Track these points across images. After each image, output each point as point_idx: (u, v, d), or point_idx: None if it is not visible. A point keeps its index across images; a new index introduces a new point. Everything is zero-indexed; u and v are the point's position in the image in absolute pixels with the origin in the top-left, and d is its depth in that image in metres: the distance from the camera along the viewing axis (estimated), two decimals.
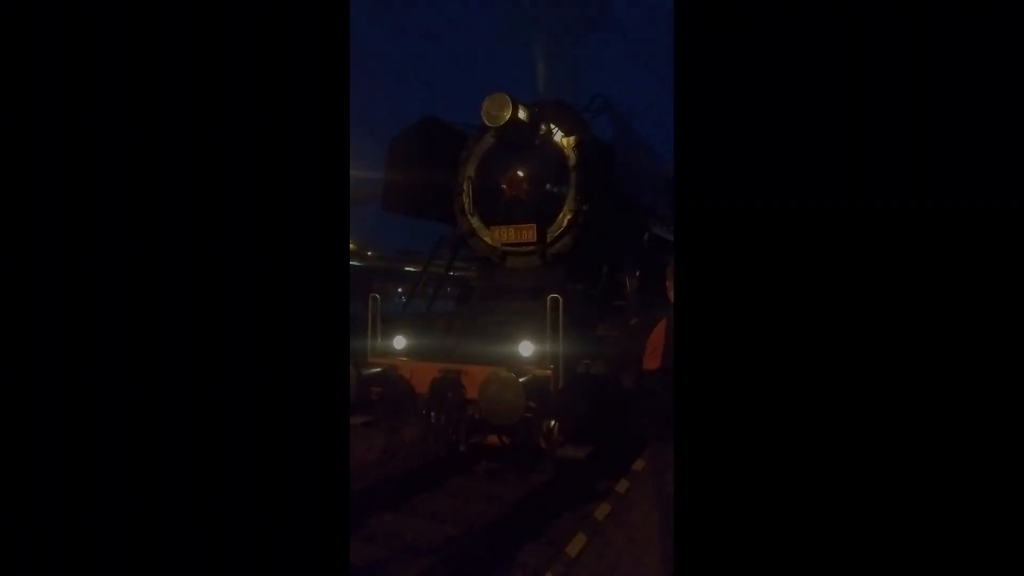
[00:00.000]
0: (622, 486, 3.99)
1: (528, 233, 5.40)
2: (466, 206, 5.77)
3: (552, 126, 5.51)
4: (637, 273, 5.27)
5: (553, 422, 4.13)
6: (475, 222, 5.73)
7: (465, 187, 5.76)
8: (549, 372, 4.07)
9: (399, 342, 4.91)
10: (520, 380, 3.79)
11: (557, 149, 5.45)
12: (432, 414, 4.29)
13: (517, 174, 5.50)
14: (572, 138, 5.38)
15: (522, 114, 5.23)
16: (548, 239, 5.40)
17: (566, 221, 5.33)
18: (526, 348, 4.29)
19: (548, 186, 5.45)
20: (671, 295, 2.68)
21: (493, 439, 4.49)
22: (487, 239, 5.65)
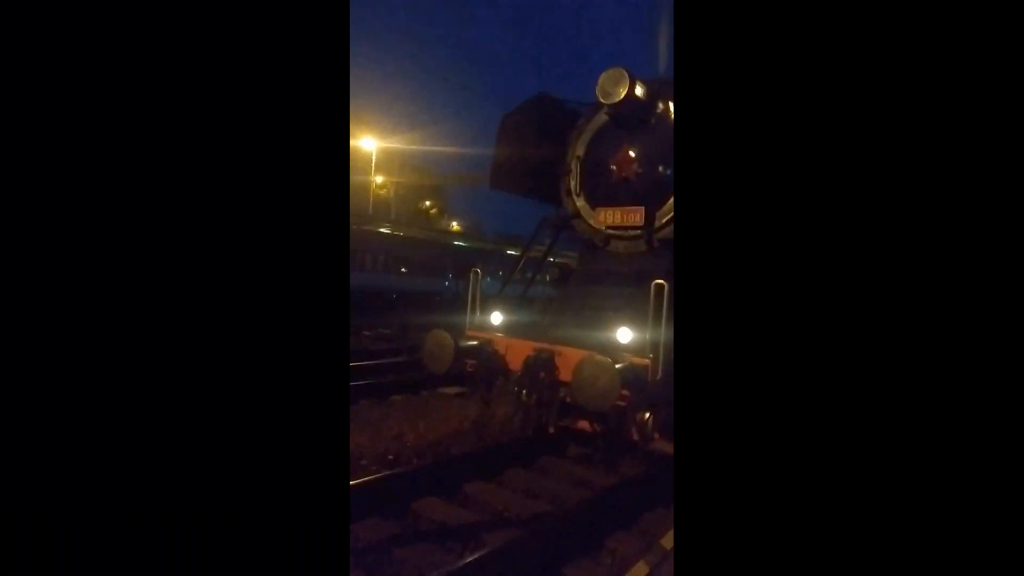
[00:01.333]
0: None
1: (635, 216, 5.16)
2: (572, 186, 5.63)
3: (671, 104, 5.20)
4: None
5: (648, 414, 3.94)
6: (580, 203, 5.58)
7: (573, 166, 5.62)
8: (648, 361, 3.88)
9: (496, 317, 4.92)
10: (616, 366, 3.63)
11: (673, 128, 5.14)
12: (524, 392, 4.25)
13: (628, 154, 5.27)
14: None
15: (639, 91, 4.99)
16: (656, 224, 5.13)
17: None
18: (624, 335, 4.12)
19: (661, 168, 5.18)
20: None
21: (584, 424, 4.38)
22: (591, 221, 5.48)
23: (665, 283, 3.90)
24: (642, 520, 3.95)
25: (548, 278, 5.87)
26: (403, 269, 18.58)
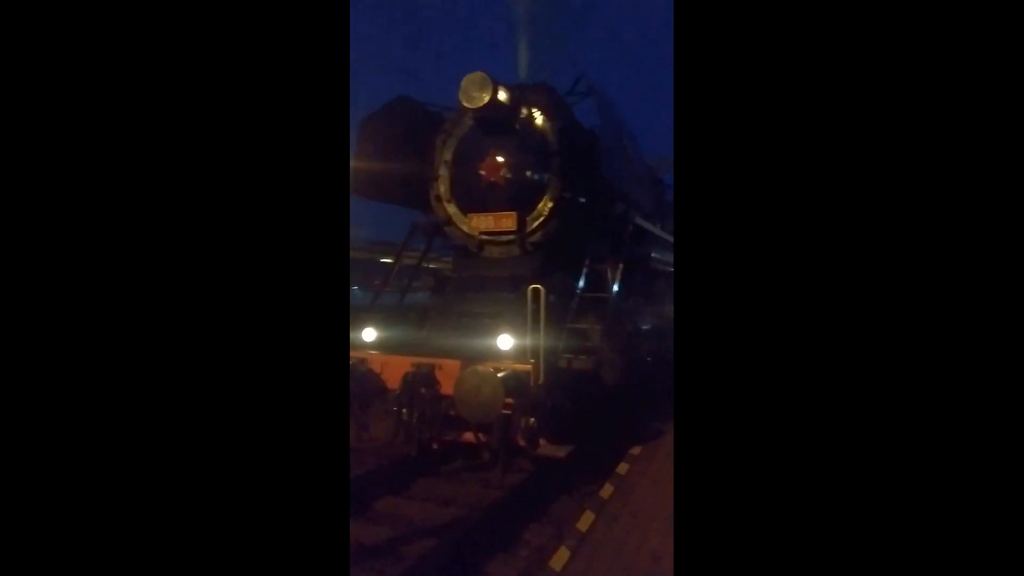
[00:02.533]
0: (606, 490, 3.80)
1: (508, 221, 5.16)
2: (442, 192, 5.50)
3: (533, 110, 5.27)
4: (620, 265, 5.08)
5: (532, 419, 3.92)
6: (452, 209, 5.47)
7: (442, 172, 5.50)
8: (529, 367, 3.85)
9: (368, 334, 4.64)
10: (499, 375, 3.56)
11: (539, 133, 5.22)
12: (404, 410, 4.04)
13: (496, 159, 5.25)
14: (553, 122, 5.14)
15: (502, 95, 4.98)
16: (528, 228, 5.17)
17: (547, 209, 5.11)
18: (505, 341, 4.07)
19: (529, 172, 5.22)
20: None
21: (469, 436, 4.27)
22: (464, 227, 5.39)
23: (541, 288, 3.91)
24: (551, 511, 3.95)
25: (424, 286, 5.67)
26: None
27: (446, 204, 5.49)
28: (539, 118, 5.23)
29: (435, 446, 4.11)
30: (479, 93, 4.86)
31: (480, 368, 3.63)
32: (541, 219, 5.14)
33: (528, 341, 3.90)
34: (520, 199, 5.19)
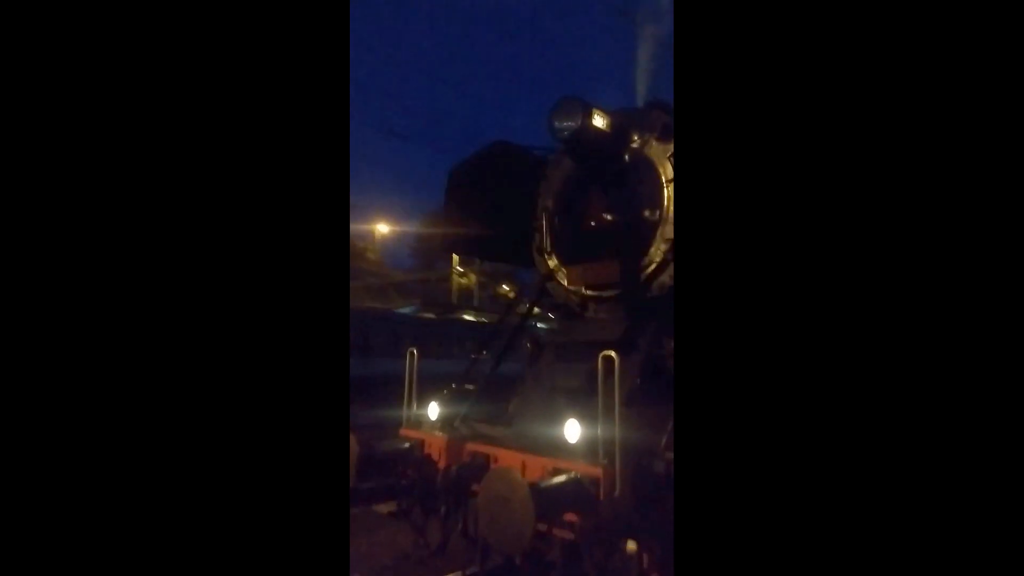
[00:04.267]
0: None
1: (609, 272, 4.13)
2: (543, 243, 4.70)
3: (648, 135, 4.27)
4: None
5: (634, 544, 2.74)
6: (552, 263, 4.62)
7: (542, 221, 4.72)
8: (599, 471, 2.72)
9: (433, 410, 3.91)
10: (529, 485, 2.49)
11: (649, 163, 4.18)
12: (451, 512, 3.17)
13: (599, 199, 4.32)
14: (667, 145, 4.07)
15: (599, 121, 4.10)
16: (641, 279, 4.07)
17: (660, 254, 3.97)
18: (573, 430, 2.99)
19: (646, 212, 4.16)
20: None
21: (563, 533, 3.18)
22: (566, 283, 4.48)
23: (614, 355, 2.81)
24: None
25: (525, 353, 4.83)
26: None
27: (547, 257, 4.67)
28: (653, 145, 4.20)
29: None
30: (565, 121, 4.06)
31: (507, 471, 2.62)
32: (652, 267, 4.00)
33: (600, 432, 2.78)
34: (629, 245, 4.14)
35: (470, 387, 4.48)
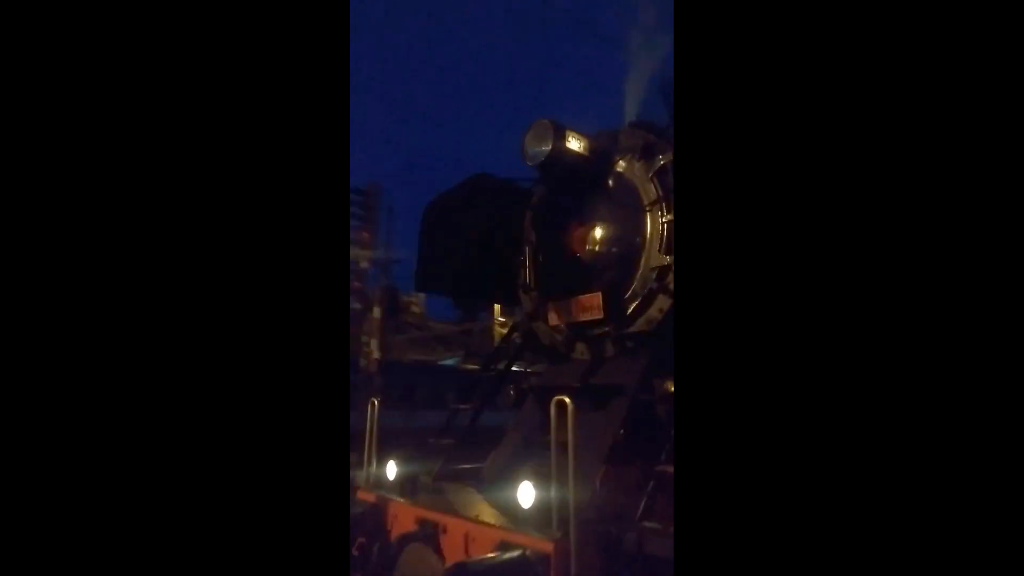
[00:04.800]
0: None
1: (591, 305, 3.69)
2: (528, 279, 4.31)
3: (631, 157, 3.90)
4: None
5: None
6: (534, 298, 4.21)
7: (528, 255, 4.34)
8: (550, 546, 2.22)
9: (391, 470, 3.46)
10: (456, 566, 2.01)
11: (630, 185, 3.79)
12: None
13: (579, 228, 3.93)
14: (647, 163, 3.68)
15: (575, 144, 3.77)
16: (626, 312, 3.61)
17: (644, 286, 3.52)
18: (526, 493, 2.50)
19: (629, 241, 3.75)
20: None
21: None
22: (549, 320, 4.05)
23: (568, 402, 2.34)
24: None
25: (506, 402, 4.37)
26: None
27: (531, 294, 4.27)
28: (635, 166, 3.82)
29: None
30: (538, 146, 3.73)
31: (421, 550, 2.14)
32: (637, 301, 3.54)
33: (552, 495, 2.29)
34: (614, 276, 3.71)
35: (446, 441, 4.03)
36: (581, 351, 3.97)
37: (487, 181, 4.70)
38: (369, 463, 3.53)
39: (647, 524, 2.50)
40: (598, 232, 3.87)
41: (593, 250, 3.88)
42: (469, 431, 4.14)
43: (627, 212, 3.75)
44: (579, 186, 3.94)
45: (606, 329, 3.71)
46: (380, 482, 3.45)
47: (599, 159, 3.91)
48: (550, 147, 3.67)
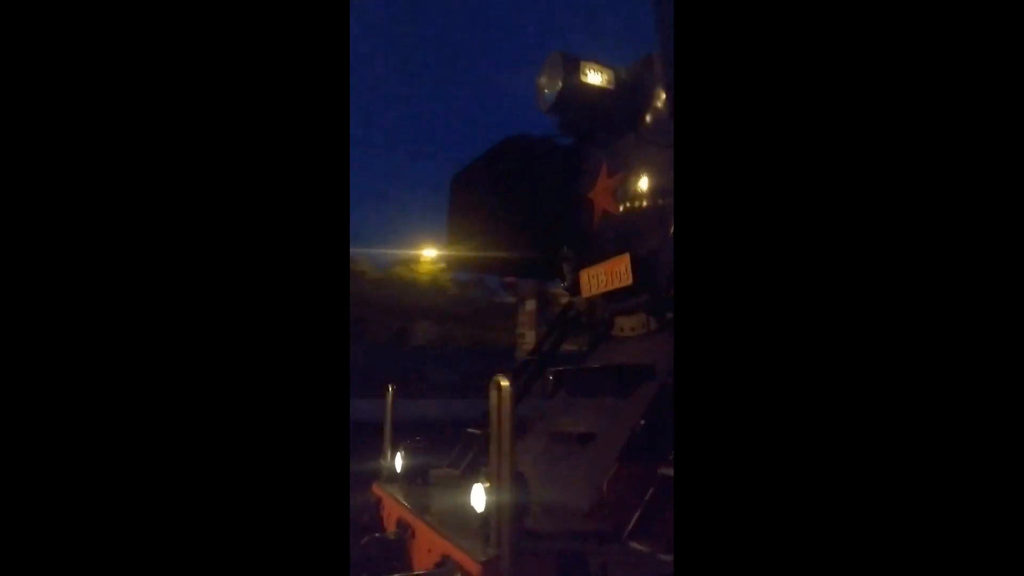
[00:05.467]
0: None
1: (619, 270, 3.04)
2: (566, 249, 3.75)
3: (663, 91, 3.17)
4: None
5: None
6: (569, 268, 3.65)
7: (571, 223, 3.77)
8: (477, 567, 1.72)
9: (398, 462, 3.15)
10: None
11: (663, 121, 3.07)
12: None
13: (605, 180, 3.30)
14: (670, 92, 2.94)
15: (596, 77, 3.15)
16: (657, 281, 2.92)
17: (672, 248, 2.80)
18: (479, 498, 2.00)
19: (660, 199, 3.04)
20: None
21: None
22: (583, 291, 3.47)
23: (504, 383, 1.80)
24: None
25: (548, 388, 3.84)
26: None
27: (570, 264, 3.71)
28: (663, 98, 3.09)
29: None
30: (550, 86, 3.17)
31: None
32: (668, 264, 2.84)
33: (496, 500, 1.78)
34: (644, 235, 3.04)
35: (476, 431, 3.64)
36: (621, 327, 3.34)
37: (520, 143, 4.19)
38: (385, 455, 3.26)
39: (634, 545, 1.89)
40: (631, 184, 3.20)
41: (628, 206, 3.22)
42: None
43: (668, 156, 3.04)
44: (605, 128, 3.29)
45: (642, 299, 3.05)
46: (391, 474, 3.17)
47: (629, 93, 3.23)
48: (560, 84, 3.09)
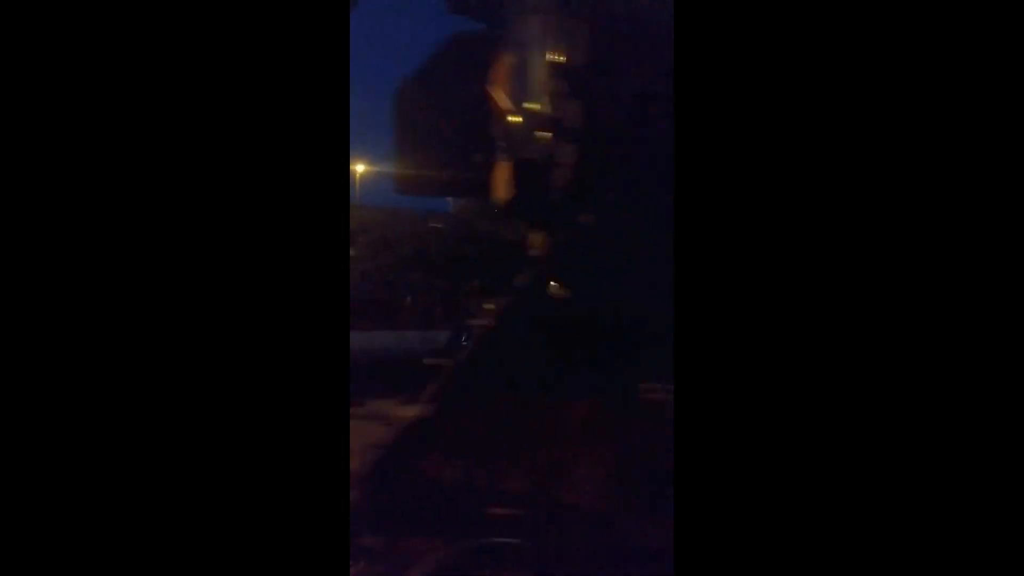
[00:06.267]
0: None
1: (504, 178, 2.55)
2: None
3: None
4: None
5: None
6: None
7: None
8: None
9: None
10: None
11: None
12: None
13: (500, 66, 2.73)
14: None
15: None
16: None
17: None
18: None
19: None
20: None
21: None
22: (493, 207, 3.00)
23: None
24: None
25: None
26: None
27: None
28: None
29: None
30: None
31: None
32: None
33: None
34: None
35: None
36: (537, 243, 2.88)
37: (471, 41, 3.51)
38: None
39: None
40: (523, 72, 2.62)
41: (511, 105, 2.66)
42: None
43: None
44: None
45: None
46: None
47: None
48: None
